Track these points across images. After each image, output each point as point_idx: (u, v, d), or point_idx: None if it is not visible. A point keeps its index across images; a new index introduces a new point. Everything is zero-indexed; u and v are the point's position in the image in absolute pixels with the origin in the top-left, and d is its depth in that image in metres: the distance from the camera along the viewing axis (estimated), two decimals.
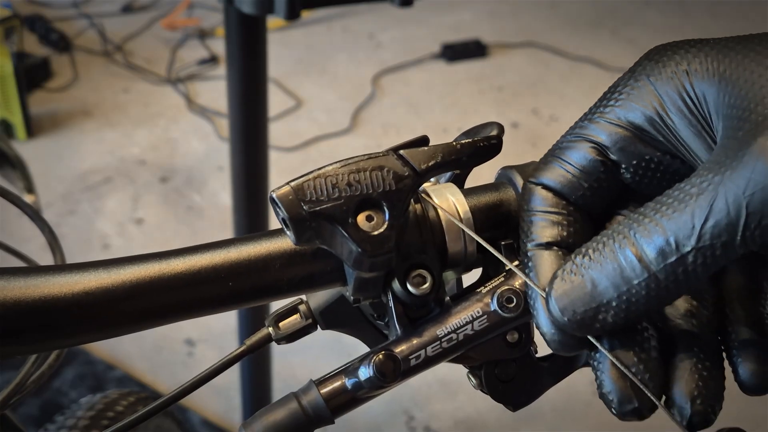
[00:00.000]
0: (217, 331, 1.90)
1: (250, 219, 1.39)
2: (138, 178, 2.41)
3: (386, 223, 0.38)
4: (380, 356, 0.39)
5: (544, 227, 0.39)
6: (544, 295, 0.37)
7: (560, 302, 0.36)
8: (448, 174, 0.45)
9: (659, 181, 0.40)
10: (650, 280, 0.34)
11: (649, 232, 0.34)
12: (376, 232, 0.38)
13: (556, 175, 0.40)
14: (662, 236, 0.34)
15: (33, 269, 0.38)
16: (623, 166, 0.40)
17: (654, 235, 0.34)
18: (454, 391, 1.80)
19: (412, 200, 0.40)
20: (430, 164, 0.39)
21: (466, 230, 0.41)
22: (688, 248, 0.33)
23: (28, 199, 1.56)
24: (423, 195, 0.41)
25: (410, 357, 0.39)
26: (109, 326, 0.39)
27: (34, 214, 0.62)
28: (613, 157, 0.39)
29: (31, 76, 2.65)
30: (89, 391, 1.75)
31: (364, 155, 0.39)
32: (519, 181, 0.42)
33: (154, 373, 1.83)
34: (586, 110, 0.41)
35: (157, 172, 2.43)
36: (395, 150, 0.39)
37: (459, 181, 0.46)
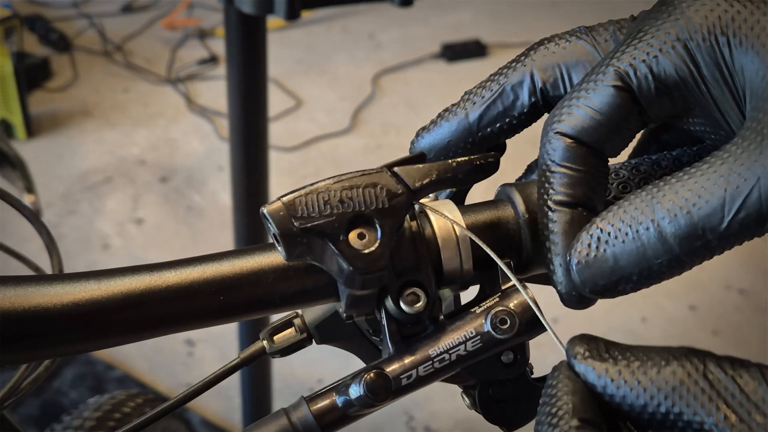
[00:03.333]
0: (217, 331, 1.90)
1: (250, 219, 1.39)
2: (138, 178, 2.41)
3: (378, 241, 0.37)
4: (371, 375, 0.39)
5: (567, 184, 0.38)
6: (562, 266, 0.38)
7: (581, 274, 0.37)
8: (447, 190, 0.45)
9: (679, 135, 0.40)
10: (672, 259, 0.35)
11: (675, 216, 0.34)
12: (367, 250, 0.37)
13: (578, 121, 0.38)
14: (689, 222, 0.34)
15: (23, 279, 0.38)
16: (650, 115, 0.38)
17: (681, 219, 0.34)
18: (454, 391, 1.79)
19: (408, 216, 0.39)
20: (424, 182, 0.39)
21: (471, 235, 0.40)
22: (715, 235, 0.33)
23: (27, 199, 1.56)
24: (419, 212, 0.41)
25: (402, 376, 0.39)
26: (99, 337, 0.39)
27: (32, 216, 0.62)
28: (642, 103, 0.37)
29: (31, 76, 2.65)
30: (89, 391, 1.75)
31: (357, 172, 0.38)
32: (518, 199, 0.41)
33: (153, 373, 1.83)
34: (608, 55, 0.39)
35: (157, 172, 2.43)
36: (390, 167, 0.39)
37: (459, 197, 0.45)
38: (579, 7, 3.39)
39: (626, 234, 0.35)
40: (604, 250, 0.36)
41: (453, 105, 0.43)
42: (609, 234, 0.36)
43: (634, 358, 0.32)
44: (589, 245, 0.36)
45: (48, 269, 0.64)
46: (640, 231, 0.35)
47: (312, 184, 0.38)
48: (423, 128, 0.43)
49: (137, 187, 2.38)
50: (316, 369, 1.82)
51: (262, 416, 1.37)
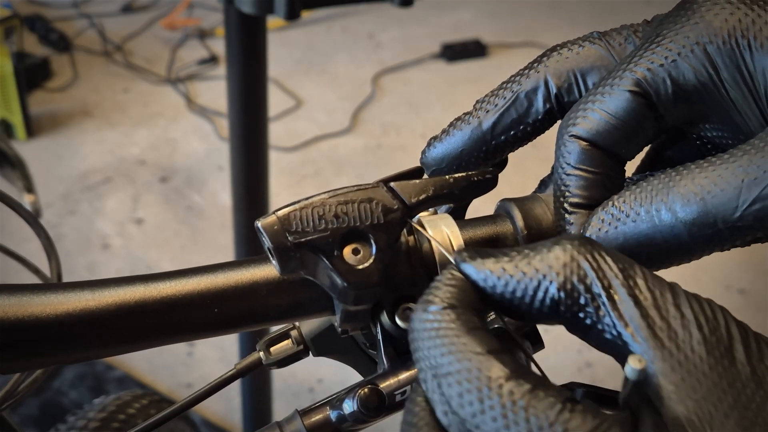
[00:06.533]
0: None
1: (250, 219, 1.38)
2: (138, 178, 2.41)
3: (373, 256, 0.37)
4: (365, 390, 0.39)
5: (583, 187, 0.38)
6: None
7: None
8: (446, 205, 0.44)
9: (696, 145, 0.40)
10: (681, 245, 0.35)
11: (688, 200, 0.34)
12: (361, 266, 0.37)
13: (593, 124, 0.38)
14: (702, 209, 0.34)
15: (18, 287, 0.38)
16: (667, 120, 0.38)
17: (694, 205, 0.34)
18: None
19: (404, 231, 0.39)
20: (420, 198, 0.39)
21: (448, 255, 0.39)
22: (727, 225, 0.33)
23: (27, 199, 1.56)
24: (416, 227, 0.40)
25: (396, 392, 0.39)
26: (93, 347, 0.39)
27: (31, 218, 0.62)
28: (659, 108, 0.38)
29: (31, 76, 2.65)
30: (89, 391, 1.75)
31: (353, 186, 0.38)
32: (517, 215, 0.41)
33: (153, 373, 1.83)
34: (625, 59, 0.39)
35: (157, 172, 2.43)
36: (386, 182, 0.39)
37: (459, 211, 0.45)
38: (579, 8, 3.39)
39: (638, 214, 0.35)
40: (616, 228, 0.36)
41: (465, 114, 0.42)
42: (623, 212, 0.36)
43: (516, 253, 0.32)
44: (603, 221, 0.37)
45: (47, 271, 0.64)
46: (653, 213, 0.35)
47: (308, 198, 0.37)
48: (435, 137, 0.43)
49: (137, 187, 2.38)
50: (316, 369, 1.82)
51: (261, 416, 1.38)
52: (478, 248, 0.33)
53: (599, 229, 0.37)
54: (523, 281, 0.31)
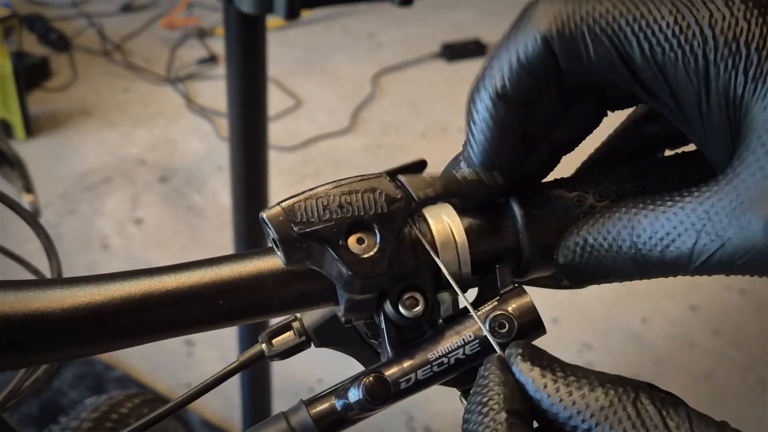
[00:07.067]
0: (217, 331, 1.88)
1: (250, 219, 1.39)
2: (138, 178, 2.41)
3: (377, 246, 0.37)
4: (370, 378, 0.39)
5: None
6: None
7: (569, 273, 0.39)
8: None
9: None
10: (646, 274, 0.37)
11: (650, 250, 0.35)
12: (366, 255, 0.37)
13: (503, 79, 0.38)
14: (660, 258, 0.35)
15: (23, 283, 0.38)
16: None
17: (654, 254, 0.35)
18: (453, 391, 1.79)
19: (409, 221, 0.40)
20: (427, 191, 0.39)
21: (438, 261, 0.40)
22: (685, 272, 0.35)
23: (26, 198, 1.56)
24: (418, 216, 0.41)
25: (400, 380, 0.39)
26: (99, 342, 0.39)
27: (30, 218, 0.62)
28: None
29: (30, 75, 2.65)
30: (89, 392, 1.75)
31: (356, 176, 0.38)
32: (516, 203, 0.42)
33: (153, 373, 1.83)
34: None
35: (156, 172, 2.43)
36: (390, 173, 0.39)
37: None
38: None
39: (609, 246, 0.37)
40: (588, 258, 0.38)
41: None
42: (594, 242, 0.37)
43: (563, 374, 0.33)
44: (575, 251, 0.38)
45: (47, 271, 0.64)
46: (623, 247, 0.36)
47: (311, 189, 0.38)
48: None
49: (137, 187, 2.37)
50: (316, 369, 1.82)
51: (261, 416, 1.37)
52: (531, 346, 0.34)
53: (573, 258, 0.38)
54: (557, 407, 0.32)
